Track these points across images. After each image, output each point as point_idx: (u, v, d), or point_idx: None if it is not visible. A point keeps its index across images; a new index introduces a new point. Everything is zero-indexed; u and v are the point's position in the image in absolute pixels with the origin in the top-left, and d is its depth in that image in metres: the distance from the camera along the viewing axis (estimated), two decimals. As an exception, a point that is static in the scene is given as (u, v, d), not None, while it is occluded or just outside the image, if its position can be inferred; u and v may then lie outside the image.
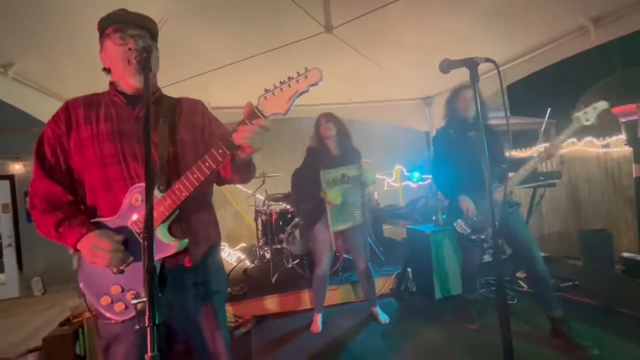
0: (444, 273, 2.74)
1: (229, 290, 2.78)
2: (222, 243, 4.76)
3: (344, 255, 3.08)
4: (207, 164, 0.89)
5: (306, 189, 2.33)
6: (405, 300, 2.78)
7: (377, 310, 2.45)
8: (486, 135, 1.94)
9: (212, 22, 2.42)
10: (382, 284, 2.96)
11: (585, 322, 2.03)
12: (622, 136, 3.52)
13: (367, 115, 4.24)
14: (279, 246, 3.43)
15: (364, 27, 2.60)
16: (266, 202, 3.64)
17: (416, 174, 4.22)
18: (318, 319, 2.39)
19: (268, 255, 3.54)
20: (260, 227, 3.76)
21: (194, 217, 1.03)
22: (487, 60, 0.99)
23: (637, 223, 3.13)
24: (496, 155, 1.98)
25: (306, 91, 0.83)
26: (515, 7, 2.40)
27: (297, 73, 0.84)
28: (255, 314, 2.66)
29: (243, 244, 4.89)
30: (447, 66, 1.13)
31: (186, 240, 0.95)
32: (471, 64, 1.01)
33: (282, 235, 3.34)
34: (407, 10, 2.51)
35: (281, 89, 0.84)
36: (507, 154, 2.07)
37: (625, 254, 3.01)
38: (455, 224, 2.08)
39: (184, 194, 0.90)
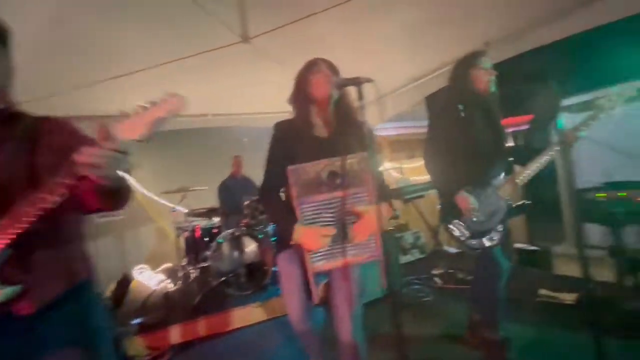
0: (367, 277, 2.83)
1: (139, 320, 2.50)
2: (143, 266, 4.34)
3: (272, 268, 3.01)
4: (44, 197, 0.78)
5: (275, 194, 1.39)
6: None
7: None
8: (496, 116, 1.71)
9: (129, 23, 2.19)
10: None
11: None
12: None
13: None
14: (204, 264, 3.23)
15: (286, 37, 2.60)
16: (189, 217, 3.41)
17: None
18: None
19: (194, 275, 3.31)
20: (183, 245, 3.50)
21: (41, 256, 0.88)
22: (368, 80, 1.04)
23: (526, 217, 3.65)
24: (502, 142, 1.76)
25: (166, 118, 0.81)
26: (433, 24, 2.54)
27: (160, 98, 0.81)
28: (175, 343, 2.43)
29: (169, 264, 4.49)
30: (338, 84, 1.16)
31: (11, 289, 0.80)
32: (357, 82, 1.05)
33: (208, 252, 3.16)
34: (332, 23, 2.54)
35: (138, 113, 0.80)
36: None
37: (517, 245, 3.47)
38: (450, 226, 1.70)
39: (12, 232, 0.77)
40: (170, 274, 3.73)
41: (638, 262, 2.05)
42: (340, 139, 1.29)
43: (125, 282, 3.11)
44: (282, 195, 1.40)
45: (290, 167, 1.22)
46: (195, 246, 3.24)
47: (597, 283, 2.35)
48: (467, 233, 1.67)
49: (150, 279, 3.83)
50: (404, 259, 3.71)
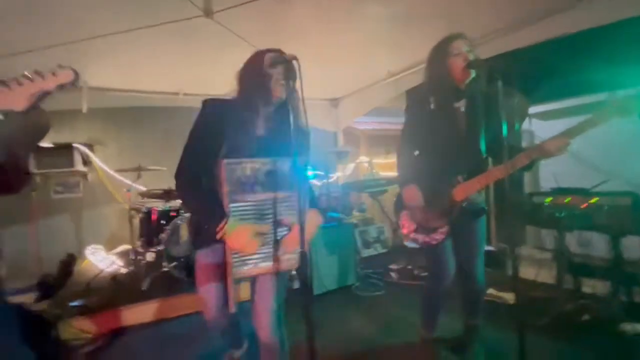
0: (322, 269, 2.81)
1: (78, 303, 2.39)
2: (96, 246, 4.16)
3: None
4: None
5: (206, 203, 1.21)
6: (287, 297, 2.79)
7: None
8: (476, 109, 1.48)
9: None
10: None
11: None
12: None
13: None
14: (159, 248, 3.12)
15: (252, 15, 2.48)
16: (143, 198, 3.27)
17: (310, 172, 4.33)
18: None
19: (148, 258, 3.19)
20: (137, 227, 3.36)
21: None
22: (293, 57, 0.98)
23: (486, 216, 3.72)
24: (475, 139, 1.53)
25: (52, 91, 0.77)
26: (413, 20, 2.48)
27: (48, 70, 0.77)
28: (113, 327, 2.33)
29: (126, 246, 4.33)
30: (274, 61, 1.09)
31: None
32: (284, 60, 0.99)
33: (163, 235, 3.04)
34: (305, 6, 2.42)
35: (19, 83, 0.74)
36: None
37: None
38: (399, 217, 1.70)
39: None
40: (124, 256, 3.60)
41: (577, 266, 2.11)
42: (278, 139, 1.21)
43: (68, 261, 2.96)
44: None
45: (226, 161, 1.13)
46: (150, 228, 3.12)
47: (539, 284, 2.44)
48: (411, 227, 1.65)
49: (102, 260, 3.68)
50: (366, 252, 3.72)
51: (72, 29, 2.41)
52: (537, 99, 3.87)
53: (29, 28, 2.31)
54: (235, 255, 1.14)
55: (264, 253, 1.20)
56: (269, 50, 1.22)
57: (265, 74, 1.17)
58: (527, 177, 4.42)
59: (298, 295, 2.59)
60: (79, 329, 2.22)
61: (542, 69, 3.01)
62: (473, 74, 1.46)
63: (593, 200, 1.92)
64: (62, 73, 0.77)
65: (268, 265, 1.20)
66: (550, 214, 2.05)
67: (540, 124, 4.24)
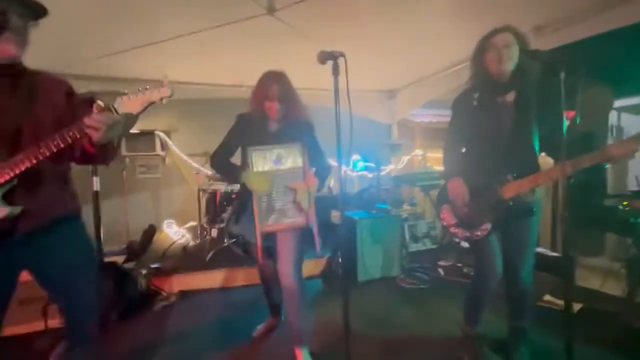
0: (367, 258, 2.88)
1: (157, 265, 2.81)
2: (171, 220, 4.76)
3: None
4: (55, 142, 0.98)
5: (230, 170, 1.76)
6: (330, 282, 2.93)
7: (303, 353, 1.70)
8: (524, 104, 1.42)
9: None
10: (314, 266, 3.09)
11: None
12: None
13: (322, 102, 4.28)
14: (221, 225, 3.49)
15: (315, 11, 2.58)
16: (210, 181, 3.66)
17: (360, 164, 4.35)
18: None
19: (212, 234, 3.59)
20: (203, 205, 3.79)
21: (37, 190, 1.07)
22: (341, 54, 1.06)
23: (552, 220, 3.39)
24: (525, 136, 1.45)
25: (156, 102, 1.04)
26: (476, 7, 2.36)
27: (153, 86, 1.06)
28: (182, 289, 2.72)
29: (195, 222, 4.88)
30: (323, 58, 1.18)
31: (18, 208, 0.99)
32: (332, 57, 1.08)
33: (225, 215, 3.39)
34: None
35: (136, 95, 1.03)
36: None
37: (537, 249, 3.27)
38: (440, 210, 1.71)
39: (23, 166, 0.96)
40: (192, 230, 4.08)
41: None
42: (285, 133, 1.73)
43: (150, 231, 3.48)
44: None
45: (250, 148, 1.66)
46: (215, 208, 3.49)
47: (606, 296, 2.20)
48: (453, 220, 1.64)
49: (175, 233, 4.23)
50: (414, 246, 3.67)
51: (155, 31, 2.78)
52: (628, 91, 3.38)
53: (123, 31, 2.72)
54: (261, 214, 1.63)
55: (280, 213, 1.66)
56: (270, 72, 1.74)
57: (261, 100, 1.68)
58: (612, 179, 3.90)
59: (340, 280, 2.67)
60: (156, 286, 2.65)
61: (632, 57, 2.61)
62: (513, 66, 1.40)
63: (680, 207, 1.68)
64: (163, 89, 1.03)
65: (285, 222, 1.66)
66: (624, 220, 1.84)
67: (631, 118, 3.71)
